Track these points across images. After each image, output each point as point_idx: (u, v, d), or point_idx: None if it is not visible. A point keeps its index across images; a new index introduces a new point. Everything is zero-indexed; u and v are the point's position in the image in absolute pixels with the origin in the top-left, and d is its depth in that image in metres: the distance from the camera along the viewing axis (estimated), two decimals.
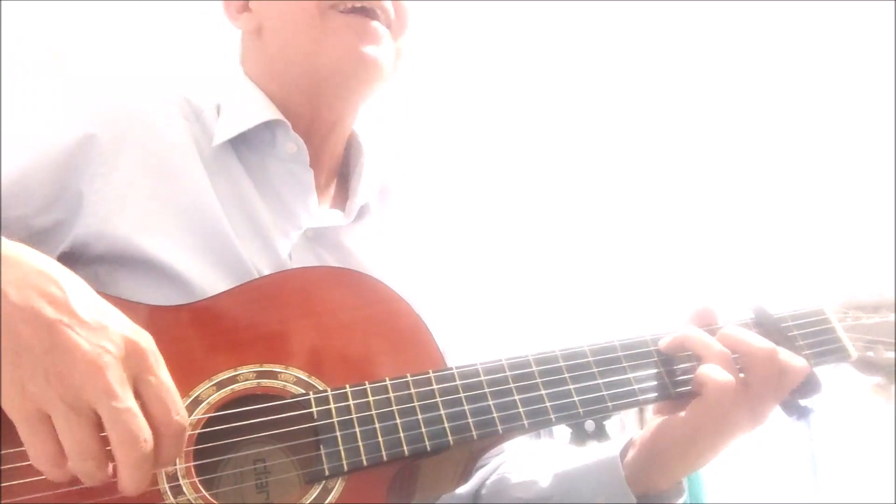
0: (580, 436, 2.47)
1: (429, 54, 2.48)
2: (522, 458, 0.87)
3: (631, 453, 0.76)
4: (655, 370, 0.72)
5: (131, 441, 0.51)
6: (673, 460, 0.72)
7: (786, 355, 0.69)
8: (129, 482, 0.52)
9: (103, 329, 0.53)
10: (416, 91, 2.56)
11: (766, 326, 0.74)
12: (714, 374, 0.68)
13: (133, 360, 0.54)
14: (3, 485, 0.56)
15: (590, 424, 2.46)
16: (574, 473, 0.79)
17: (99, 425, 0.52)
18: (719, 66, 2.72)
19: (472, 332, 0.95)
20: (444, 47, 2.67)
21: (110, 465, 0.53)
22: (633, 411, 2.45)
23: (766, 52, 2.71)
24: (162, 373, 0.55)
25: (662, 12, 2.75)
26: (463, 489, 0.84)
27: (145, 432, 0.52)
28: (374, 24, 0.81)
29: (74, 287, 0.54)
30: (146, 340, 0.55)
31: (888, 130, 2.50)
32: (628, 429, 2.48)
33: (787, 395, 0.70)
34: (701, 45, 2.74)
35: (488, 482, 0.86)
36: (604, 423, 2.48)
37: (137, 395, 0.53)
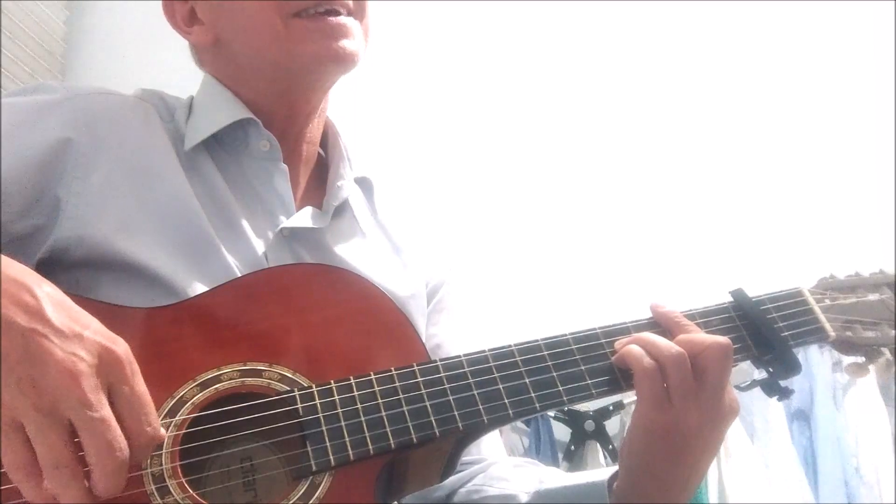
0: (580, 435, 2.46)
1: (421, 51, 2.50)
2: (502, 472, 0.86)
3: (616, 483, 0.75)
4: None
5: (107, 450, 0.51)
6: (650, 475, 0.71)
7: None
8: (103, 490, 0.52)
9: (78, 337, 0.53)
10: (403, 85, 2.57)
11: (745, 309, 0.75)
12: (635, 359, 0.68)
13: (108, 368, 0.53)
14: (3, 487, 0.55)
15: (590, 424, 2.45)
16: (556, 494, 0.79)
17: (72, 433, 0.51)
18: (703, 60, 2.74)
19: (460, 326, 0.95)
20: (435, 43, 2.68)
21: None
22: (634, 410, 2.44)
23: (753, 46, 2.72)
24: (136, 382, 0.55)
25: (661, 12, 2.77)
26: (435, 493, 0.84)
27: (120, 442, 0.52)
28: (340, 19, 0.80)
29: (48, 295, 0.54)
30: (122, 348, 0.55)
31: (868, 118, 2.51)
32: (628, 428, 2.47)
33: (767, 377, 0.71)
34: (691, 40, 2.76)
35: (462, 490, 0.85)
36: (604, 422, 2.48)
37: (111, 404, 0.53)
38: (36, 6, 2.59)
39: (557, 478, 0.81)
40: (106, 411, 0.52)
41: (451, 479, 0.84)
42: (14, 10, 2.45)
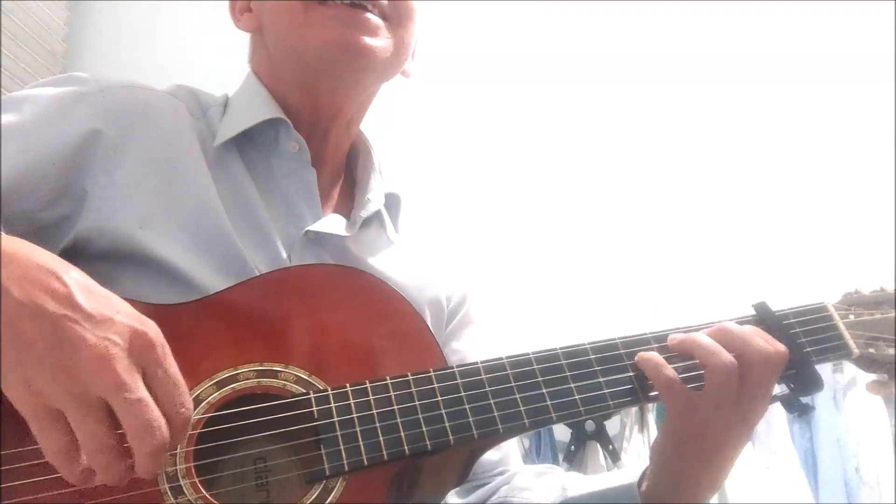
0: (580, 436, 2.46)
1: (439, 59, 2.49)
2: (526, 482, 0.86)
3: (645, 484, 0.76)
4: None
5: (148, 431, 0.51)
6: (681, 476, 0.72)
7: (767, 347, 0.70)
8: (146, 470, 0.52)
9: (109, 321, 0.52)
10: (424, 97, 2.56)
11: (768, 323, 0.74)
12: (718, 356, 0.68)
13: (140, 350, 0.53)
14: (3, 485, 0.55)
15: (590, 424, 2.45)
16: (587, 501, 0.79)
17: (111, 416, 0.51)
18: (720, 65, 2.72)
19: (485, 340, 0.95)
20: (453, 51, 2.67)
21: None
22: (634, 411, 2.44)
23: (766, 50, 2.71)
24: (169, 363, 0.55)
25: (663, 12, 2.75)
26: None
27: (160, 421, 0.52)
28: (366, 15, 0.79)
29: (77, 280, 0.54)
30: (153, 330, 0.54)
31: (888, 126, 2.50)
32: (628, 429, 2.47)
33: (788, 392, 0.70)
34: (702, 45, 2.74)
35: (489, 503, 0.85)
36: (604, 423, 2.48)
37: (146, 386, 0.53)
38: (36, 6, 2.59)
39: (581, 484, 0.81)
40: (143, 392, 0.52)
41: (478, 493, 0.85)
42: (14, 9, 2.45)
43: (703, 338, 0.69)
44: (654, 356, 0.69)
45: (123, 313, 0.54)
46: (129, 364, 0.52)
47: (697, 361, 0.70)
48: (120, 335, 0.52)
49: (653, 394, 0.70)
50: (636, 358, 0.71)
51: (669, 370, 0.68)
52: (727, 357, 0.68)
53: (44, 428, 0.51)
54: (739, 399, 0.68)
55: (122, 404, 0.51)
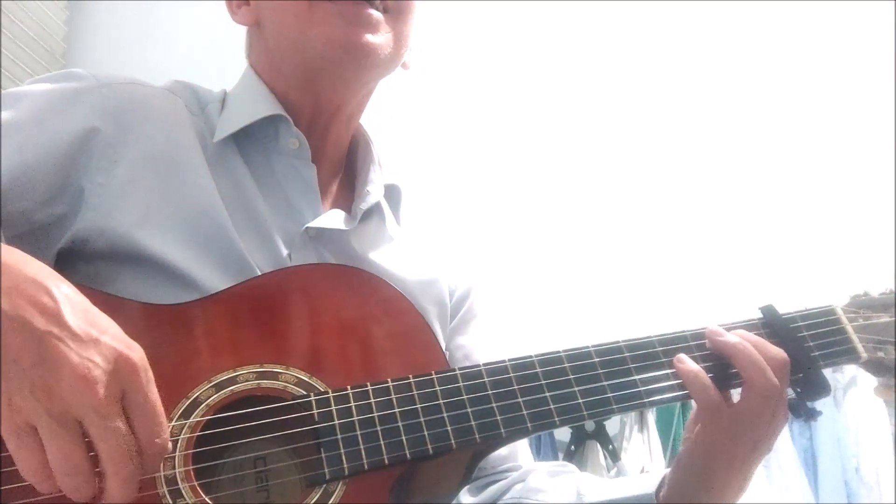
0: (580, 436, 2.46)
1: (442, 54, 2.47)
2: (540, 482, 0.85)
3: (663, 493, 0.75)
4: (661, 372, 0.71)
5: (120, 458, 0.51)
6: (710, 486, 0.71)
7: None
8: (116, 496, 0.51)
9: (94, 342, 0.51)
10: (426, 91, 2.54)
11: (775, 327, 0.73)
12: (763, 372, 0.68)
13: (123, 375, 0.52)
14: (3, 487, 0.55)
15: (590, 424, 2.44)
16: None
17: (86, 439, 0.50)
18: (727, 68, 2.72)
19: (490, 335, 0.94)
20: (455, 47, 2.65)
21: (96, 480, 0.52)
22: (634, 412, 2.44)
23: (768, 52, 2.70)
24: (150, 390, 0.54)
25: (665, 13, 2.74)
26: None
27: (134, 448, 0.51)
28: (369, 11, 0.77)
29: (67, 296, 0.53)
30: (138, 355, 0.54)
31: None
32: (628, 428, 2.47)
33: (795, 398, 0.70)
34: (707, 46, 2.73)
35: (501, 502, 0.85)
36: (604, 423, 2.47)
37: (124, 411, 0.52)
38: (36, 6, 2.57)
39: (597, 489, 0.81)
40: (120, 419, 0.51)
41: (490, 490, 0.84)
42: (14, 10, 2.43)
43: (750, 350, 0.69)
44: (697, 368, 0.69)
45: (110, 334, 0.53)
46: (110, 388, 0.51)
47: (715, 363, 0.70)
48: (104, 357, 0.51)
49: (656, 398, 0.69)
50: (676, 366, 0.70)
51: (713, 386, 0.68)
52: (773, 379, 0.68)
53: (19, 445, 0.50)
54: (776, 414, 0.68)
55: (97, 428, 0.50)
